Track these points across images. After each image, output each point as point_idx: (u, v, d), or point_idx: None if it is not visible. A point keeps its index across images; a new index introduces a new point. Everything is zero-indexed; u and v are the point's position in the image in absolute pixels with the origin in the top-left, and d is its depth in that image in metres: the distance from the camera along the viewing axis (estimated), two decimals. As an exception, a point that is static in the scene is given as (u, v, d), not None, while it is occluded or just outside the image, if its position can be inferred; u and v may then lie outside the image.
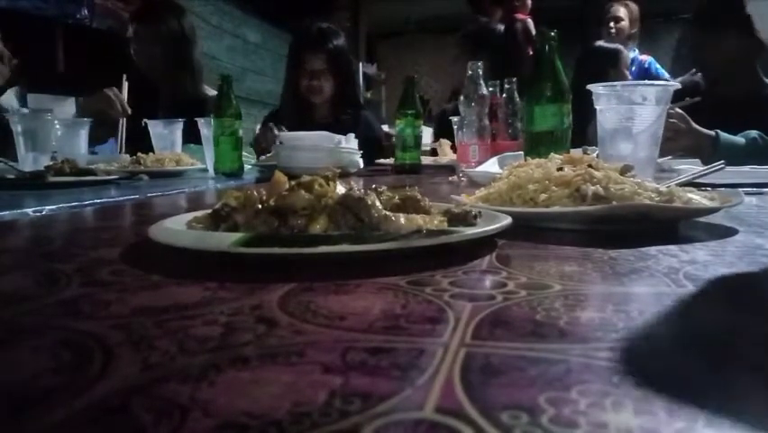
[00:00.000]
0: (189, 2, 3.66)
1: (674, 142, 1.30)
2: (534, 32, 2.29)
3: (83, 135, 1.40)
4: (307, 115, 2.10)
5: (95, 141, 1.70)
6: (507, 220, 0.45)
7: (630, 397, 0.19)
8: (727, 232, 0.51)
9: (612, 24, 2.75)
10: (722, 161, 0.76)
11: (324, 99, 2.11)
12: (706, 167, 0.81)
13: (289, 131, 1.62)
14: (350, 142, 1.46)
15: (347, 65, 2.20)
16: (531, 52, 2.23)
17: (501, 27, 2.32)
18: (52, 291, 0.34)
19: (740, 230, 0.51)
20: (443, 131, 2.00)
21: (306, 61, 2.08)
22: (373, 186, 0.49)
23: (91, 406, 0.19)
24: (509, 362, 0.22)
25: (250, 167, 1.55)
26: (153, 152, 1.52)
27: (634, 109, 0.81)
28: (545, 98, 0.96)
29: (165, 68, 1.97)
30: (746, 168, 1.07)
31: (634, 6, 2.77)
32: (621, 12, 2.75)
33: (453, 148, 1.87)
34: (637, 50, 2.84)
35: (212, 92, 2.08)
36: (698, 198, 0.53)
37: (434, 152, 2.05)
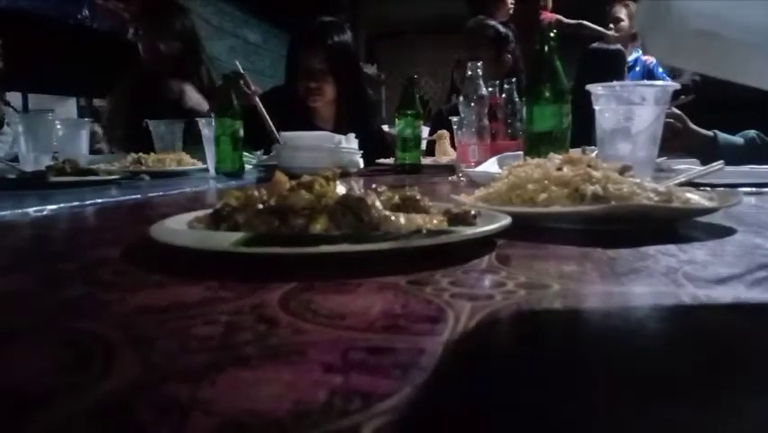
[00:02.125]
0: (190, 2, 3.67)
1: (672, 142, 1.29)
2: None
3: (84, 135, 1.40)
4: (307, 121, 1.87)
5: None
6: (507, 220, 0.45)
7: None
8: (726, 232, 0.51)
9: (612, 25, 2.75)
10: (721, 161, 0.76)
11: (326, 104, 1.89)
12: (705, 167, 0.81)
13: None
14: (350, 142, 1.46)
15: (351, 65, 1.93)
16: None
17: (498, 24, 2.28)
18: (53, 291, 0.34)
19: (739, 230, 0.51)
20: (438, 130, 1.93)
21: (303, 59, 1.84)
22: (373, 186, 0.49)
23: (91, 406, 0.19)
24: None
25: (251, 167, 1.55)
26: (155, 152, 1.52)
27: (632, 109, 0.81)
28: (545, 99, 0.96)
29: (178, 64, 1.95)
30: (745, 167, 1.07)
31: (635, 6, 2.77)
32: (622, 12, 2.75)
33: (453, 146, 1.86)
34: (641, 51, 2.84)
35: None
36: (696, 198, 0.53)
37: (430, 149, 1.90)
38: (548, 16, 2.40)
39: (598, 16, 2.78)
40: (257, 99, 1.54)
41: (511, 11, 2.63)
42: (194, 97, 2.00)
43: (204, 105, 1.94)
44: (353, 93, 1.93)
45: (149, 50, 1.97)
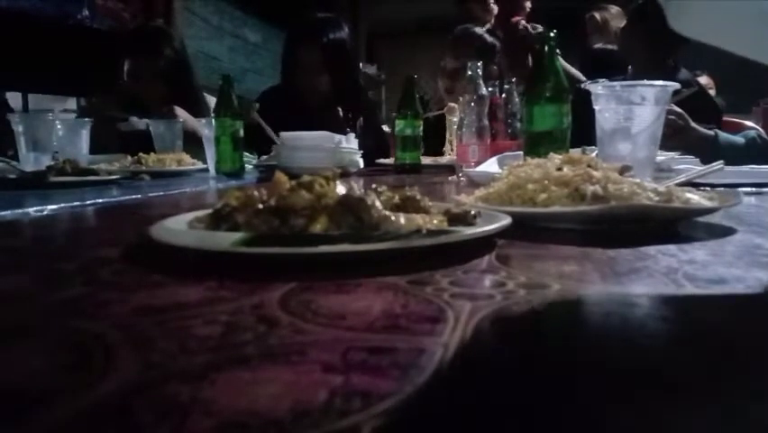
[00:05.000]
0: (190, 2, 3.67)
1: (672, 139, 1.29)
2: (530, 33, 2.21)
3: (84, 135, 1.40)
4: (304, 118, 1.81)
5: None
6: (507, 220, 0.45)
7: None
8: (726, 231, 0.51)
9: (592, 29, 2.73)
10: (721, 161, 0.76)
11: (322, 102, 1.86)
12: (704, 167, 0.81)
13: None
14: (350, 142, 1.46)
15: (346, 61, 1.91)
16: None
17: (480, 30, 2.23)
18: (53, 291, 0.34)
19: (739, 230, 0.51)
20: (426, 136, 1.86)
21: (298, 55, 1.83)
22: (373, 186, 0.49)
23: (91, 406, 0.19)
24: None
25: (251, 167, 1.56)
26: (155, 153, 1.53)
27: (632, 109, 0.81)
28: (545, 98, 0.96)
29: (165, 102, 1.81)
30: (745, 167, 1.07)
31: (613, 8, 2.74)
32: (598, 16, 2.73)
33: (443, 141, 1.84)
34: None
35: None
36: (696, 198, 0.53)
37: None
38: (517, 20, 2.37)
39: (578, 23, 2.76)
40: (257, 116, 1.52)
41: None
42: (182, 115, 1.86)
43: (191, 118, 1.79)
44: (350, 90, 1.91)
45: (137, 88, 1.86)
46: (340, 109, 1.73)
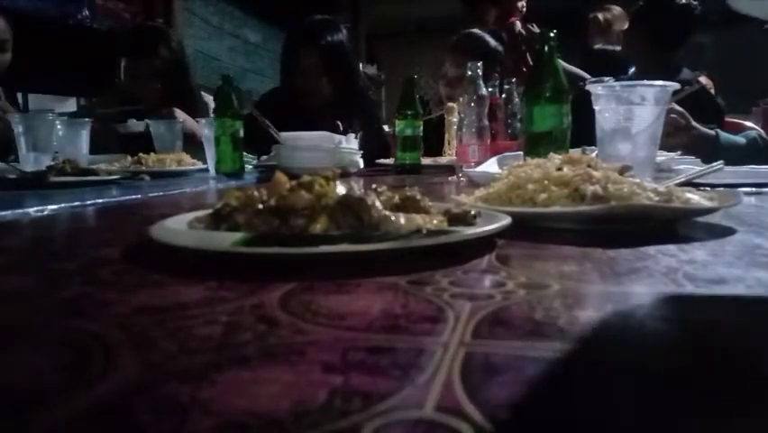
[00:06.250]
0: (190, 2, 3.68)
1: (674, 138, 1.29)
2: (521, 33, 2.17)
3: (84, 135, 1.40)
4: (305, 121, 1.77)
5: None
6: (507, 220, 0.45)
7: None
8: (726, 232, 0.51)
9: (594, 30, 2.73)
10: (721, 161, 0.76)
11: (323, 104, 1.85)
12: (705, 167, 0.81)
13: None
14: (350, 143, 1.46)
15: (346, 64, 1.91)
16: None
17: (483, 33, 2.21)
18: (53, 291, 0.34)
19: (739, 230, 0.51)
20: (426, 136, 1.84)
21: (297, 58, 1.83)
22: (373, 186, 0.49)
23: (91, 406, 0.19)
24: (508, 361, 0.22)
25: (251, 167, 1.55)
26: (155, 153, 1.53)
27: (632, 110, 0.81)
28: (544, 99, 0.96)
29: (162, 101, 1.82)
30: (745, 167, 1.07)
31: (616, 9, 2.73)
32: (601, 17, 2.73)
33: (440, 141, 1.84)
34: None
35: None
36: (696, 198, 0.53)
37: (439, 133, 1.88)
38: (513, 20, 2.35)
39: (579, 23, 2.76)
40: (256, 111, 1.51)
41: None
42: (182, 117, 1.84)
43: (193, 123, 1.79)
44: (350, 92, 1.91)
45: (134, 88, 1.86)
46: (339, 123, 1.71)
